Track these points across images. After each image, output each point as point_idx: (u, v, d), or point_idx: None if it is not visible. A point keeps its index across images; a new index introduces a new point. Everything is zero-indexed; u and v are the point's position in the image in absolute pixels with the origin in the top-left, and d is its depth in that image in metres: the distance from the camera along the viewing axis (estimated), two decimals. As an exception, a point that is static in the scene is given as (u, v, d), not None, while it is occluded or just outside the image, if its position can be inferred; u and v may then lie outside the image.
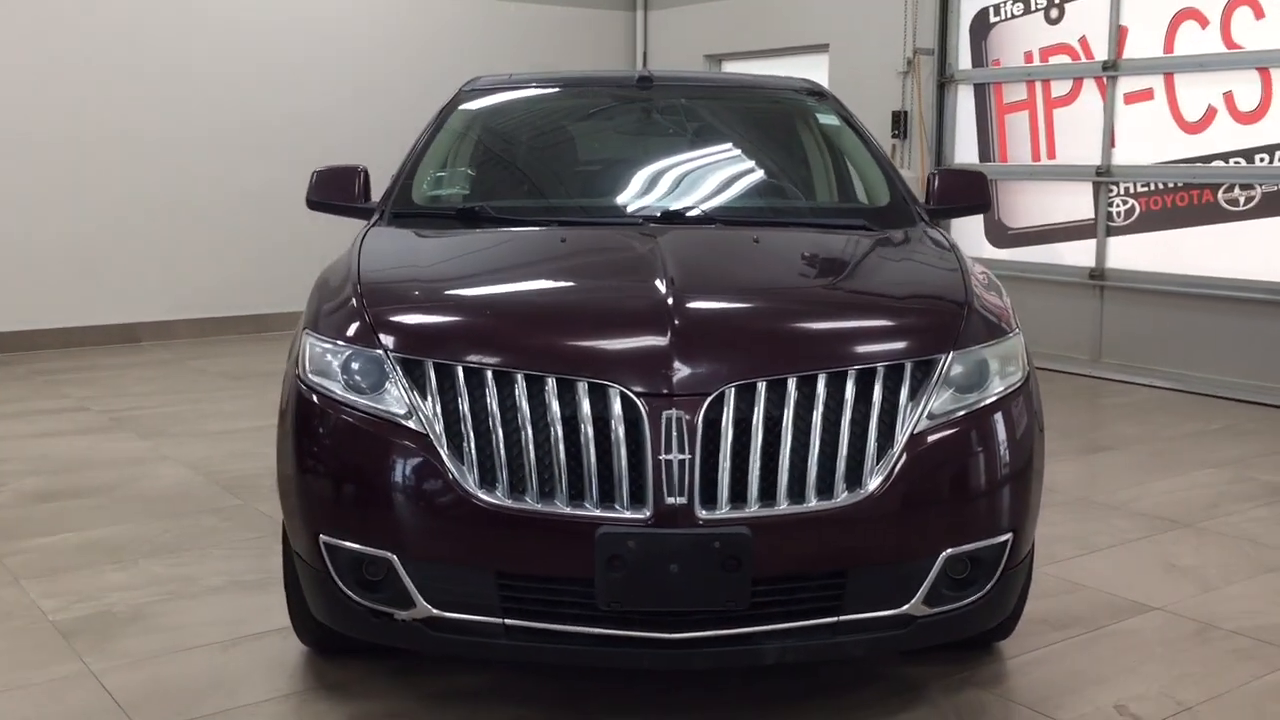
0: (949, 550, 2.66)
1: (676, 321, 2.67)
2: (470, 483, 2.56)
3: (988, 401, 2.76)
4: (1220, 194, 6.97)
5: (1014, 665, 3.22)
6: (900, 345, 2.72)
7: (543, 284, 3.12)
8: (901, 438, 2.62)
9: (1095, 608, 3.64)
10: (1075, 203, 7.71)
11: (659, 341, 2.62)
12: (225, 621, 3.45)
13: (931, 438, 2.65)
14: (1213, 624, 3.51)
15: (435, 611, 2.61)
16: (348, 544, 2.66)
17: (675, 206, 3.60)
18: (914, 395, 2.67)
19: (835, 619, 2.61)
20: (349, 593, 2.70)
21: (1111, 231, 7.50)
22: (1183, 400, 6.82)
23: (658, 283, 2.81)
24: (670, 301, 2.73)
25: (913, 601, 2.65)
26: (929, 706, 2.97)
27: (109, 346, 8.15)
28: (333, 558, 2.70)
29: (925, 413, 2.66)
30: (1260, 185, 6.78)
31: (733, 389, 2.56)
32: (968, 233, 8.27)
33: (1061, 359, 7.60)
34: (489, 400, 2.59)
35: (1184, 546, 4.24)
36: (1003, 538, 2.75)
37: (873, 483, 2.58)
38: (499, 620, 2.58)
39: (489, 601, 2.58)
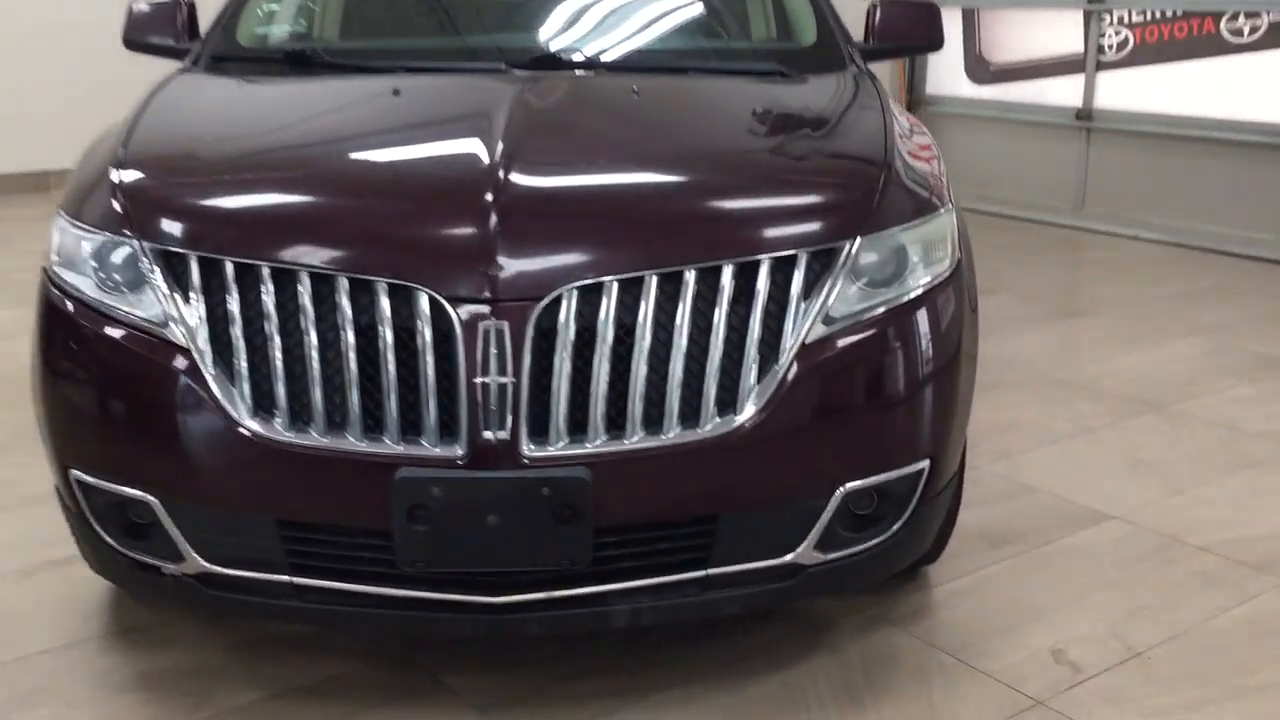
0: (848, 485, 2.15)
1: (501, 202, 2.09)
2: (240, 411, 2.03)
3: (906, 299, 2.21)
4: (1223, 24, 6.26)
5: (940, 596, 2.75)
6: (792, 230, 2.16)
7: (347, 155, 2.46)
8: (790, 349, 2.08)
9: (1044, 518, 3.16)
10: (1064, 35, 6.98)
11: (477, 230, 2.06)
12: (35, 542, 2.95)
13: (829, 347, 2.11)
14: (1177, 538, 3.04)
15: (209, 566, 2.11)
16: (102, 482, 2.15)
17: (549, 48, 2.97)
18: (809, 294, 2.12)
19: (703, 573, 2.12)
20: (110, 540, 2.20)
21: (1102, 66, 6.81)
22: (1169, 255, 6.26)
23: (484, 151, 2.22)
24: (497, 176, 2.14)
25: (801, 548, 2.16)
26: (830, 653, 2.51)
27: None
28: (87, 498, 2.19)
29: (822, 316, 2.11)
30: (1268, 13, 6.07)
31: (574, 291, 2.01)
32: (945, 69, 7.56)
33: (1041, 208, 7.00)
34: (265, 306, 2.04)
35: (1153, 436, 3.75)
36: (918, 466, 2.24)
37: (751, 407, 2.05)
38: (286, 579, 2.09)
39: (273, 556, 2.08)
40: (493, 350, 1.96)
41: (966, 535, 3.03)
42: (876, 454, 2.19)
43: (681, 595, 2.13)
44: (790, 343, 2.08)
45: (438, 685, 2.37)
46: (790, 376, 2.07)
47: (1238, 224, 6.20)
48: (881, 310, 2.18)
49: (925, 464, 2.25)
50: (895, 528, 2.26)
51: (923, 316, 2.22)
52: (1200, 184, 6.38)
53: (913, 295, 2.22)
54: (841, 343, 2.12)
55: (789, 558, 2.15)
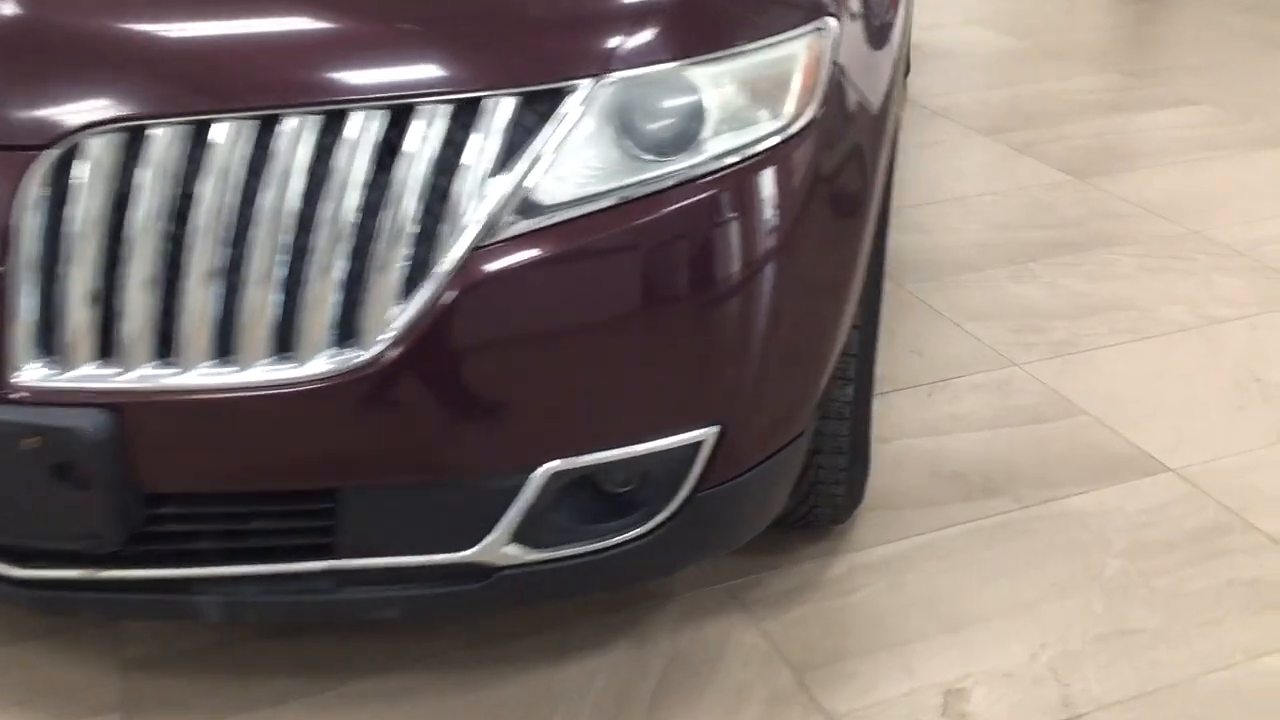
0: (557, 462, 1.41)
1: None
2: None
3: (686, 181, 1.38)
4: None
5: (835, 573, 1.98)
6: (474, 58, 1.34)
7: None
8: (454, 251, 1.32)
9: (1068, 457, 2.26)
10: None
11: None
12: None
13: (525, 252, 1.33)
14: (1246, 519, 2.10)
15: None
16: None
17: None
18: (505, 166, 1.33)
19: (328, 564, 1.46)
20: None
21: None
22: None
23: None
24: None
25: (487, 542, 1.45)
26: (635, 645, 1.80)
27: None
28: None
29: (516, 203, 1.33)
30: None
31: (98, 139, 1.30)
32: None
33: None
34: None
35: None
36: (692, 435, 1.46)
37: (384, 338, 1.33)
38: None
39: None
40: None
41: (940, 474, 2.21)
42: (605, 418, 1.42)
43: (308, 590, 1.48)
44: (455, 242, 1.32)
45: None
46: (453, 294, 1.31)
47: None
48: (638, 196, 1.36)
49: (707, 433, 1.47)
50: (658, 520, 1.50)
51: (716, 209, 1.39)
52: None
53: (702, 175, 1.38)
54: (548, 248, 1.34)
55: (466, 555, 1.45)
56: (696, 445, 1.46)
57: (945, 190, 3.50)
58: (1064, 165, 3.66)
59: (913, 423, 2.38)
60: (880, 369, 2.53)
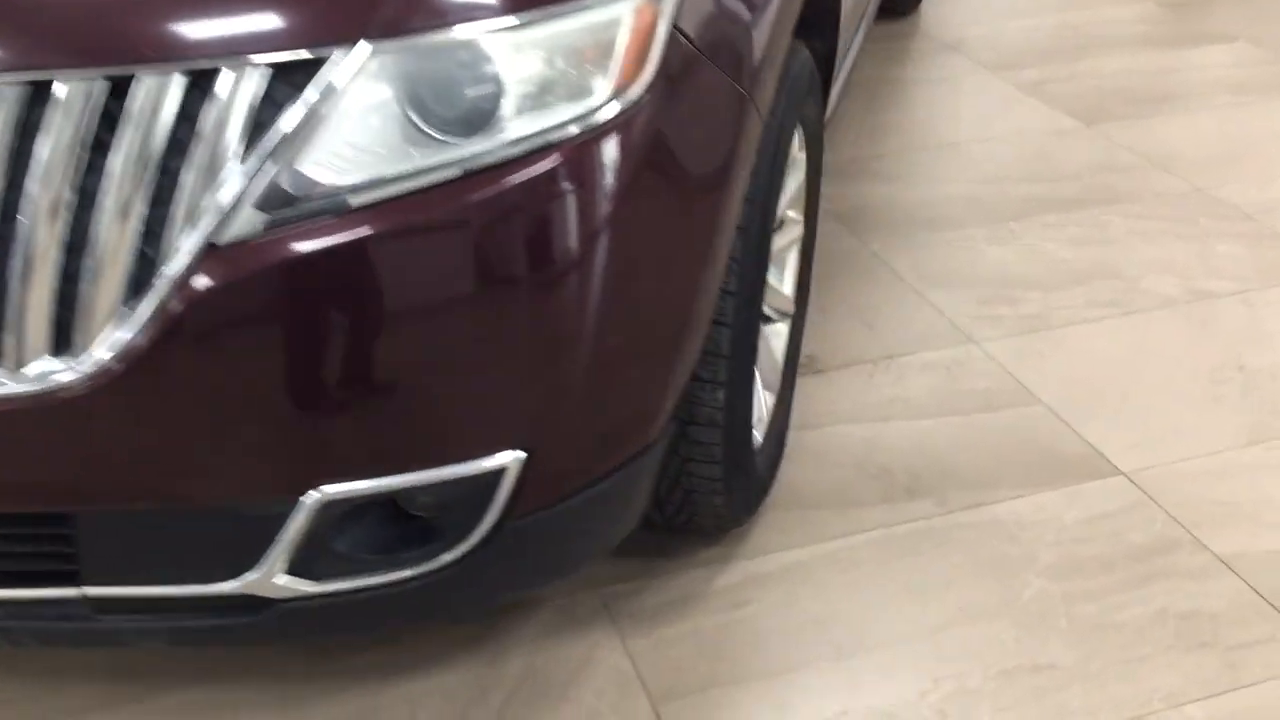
0: (329, 488, 1.23)
1: None
2: None
3: (490, 165, 1.17)
4: None
5: (723, 585, 1.78)
6: (210, 25, 1.13)
7: None
8: (181, 254, 1.12)
9: (1009, 454, 2.04)
10: None
11: None
12: None
13: (273, 253, 1.13)
14: (1196, 537, 1.87)
15: None
16: None
17: None
18: (251, 149, 1.13)
19: (77, 592, 1.30)
20: None
21: None
22: None
23: None
24: None
25: (258, 573, 1.27)
26: (484, 664, 1.63)
27: None
28: None
29: (257, 194, 1.13)
30: None
31: None
32: None
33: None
34: None
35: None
36: (490, 462, 1.27)
37: (100, 348, 1.14)
38: None
39: None
40: None
41: (865, 469, 2.00)
42: (382, 442, 1.23)
43: (62, 616, 1.32)
44: (186, 240, 1.12)
45: None
46: (184, 300, 1.12)
47: None
48: (422, 185, 1.16)
49: (509, 458, 1.27)
50: (460, 551, 1.32)
51: (515, 201, 1.18)
52: None
53: (501, 161, 1.17)
54: (304, 245, 1.14)
55: (230, 586, 1.28)
56: (498, 473, 1.27)
57: (937, 135, 3.23)
58: (1072, 109, 3.36)
59: (848, 406, 2.17)
60: (823, 342, 2.32)
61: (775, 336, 1.99)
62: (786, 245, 1.98)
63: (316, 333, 1.17)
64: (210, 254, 1.12)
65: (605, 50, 1.21)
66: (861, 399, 2.19)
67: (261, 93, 1.12)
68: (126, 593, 1.28)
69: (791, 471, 2.00)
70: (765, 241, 1.56)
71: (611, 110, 1.21)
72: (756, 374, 1.74)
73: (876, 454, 2.04)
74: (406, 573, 1.31)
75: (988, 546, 1.85)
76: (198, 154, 1.11)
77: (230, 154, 1.12)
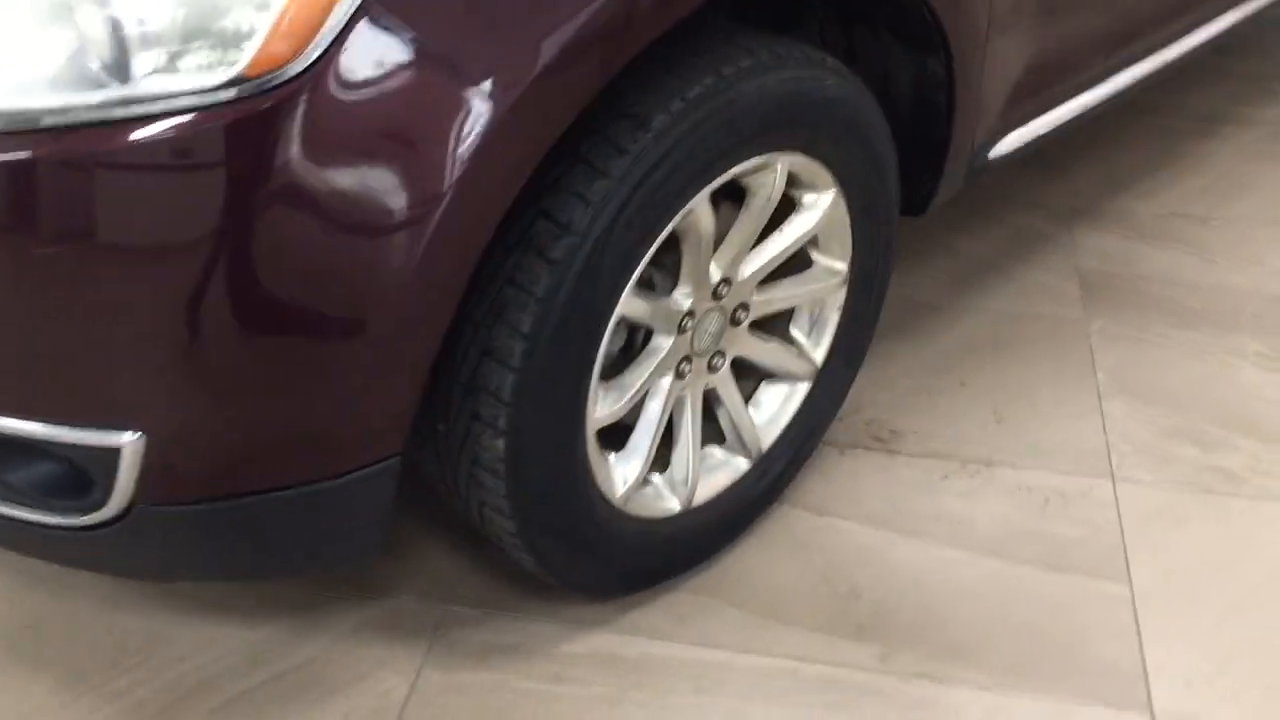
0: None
1: None
2: None
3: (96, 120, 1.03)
4: None
5: (528, 653, 1.54)
6: None
7: None
8: None
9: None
10: None
11: None
12: None
13: None
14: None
15: None
16: None
17: None
18: None
19: None
20: None
21: None
22: None
23: None
24: None
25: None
26: (314, 703, 1.56)
27: None
28: None
29: None
30: None
31: None
32: None
33: None
34: None
35: None
36: (104, 437, 1.14)
37: None
38: None
39: None
40: None
41: (833, 583, 1.66)
42: (7, 379, 1.16)
43: None
44: None
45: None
46: None
47: None
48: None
49: (125, 439, 1.15)
50: (96, 519, 1.22)
51: (114, 159, 1.04)
52: None
53: (107, 118, 1.04)
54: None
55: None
56: (113, 451, 1.17)
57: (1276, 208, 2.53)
58: None
59: (881, 503, 1.79)
60: (928, 420, 1.93)
61: (774, 397, 1.67)
62: (818, 298, 1.64)
63: None
64: None
65: (242, 17, 1.03)
66: (906, 500, 1.79)
67: None
68: None
69: (750, 555, 1.69)
70: (591, 289, 1.27)
71: (255, 85, 1.03)
72: (647, 439, 1.47)
73: (861, 571, 1.67)
74: (56, 519, 1.25)
75: (886, 732, 1.45)
76: None
77: None
